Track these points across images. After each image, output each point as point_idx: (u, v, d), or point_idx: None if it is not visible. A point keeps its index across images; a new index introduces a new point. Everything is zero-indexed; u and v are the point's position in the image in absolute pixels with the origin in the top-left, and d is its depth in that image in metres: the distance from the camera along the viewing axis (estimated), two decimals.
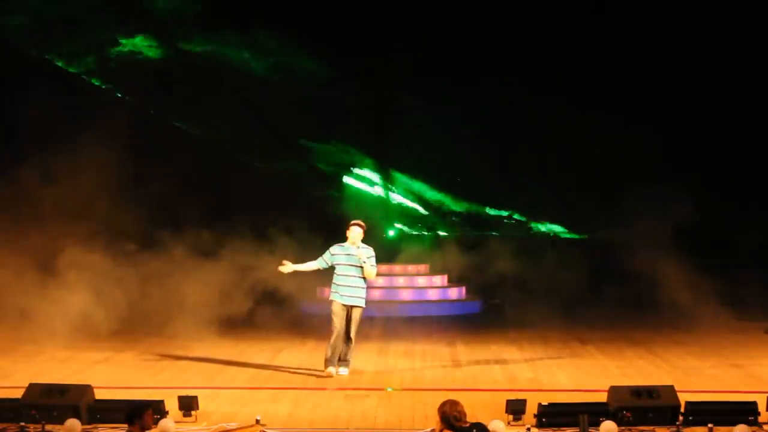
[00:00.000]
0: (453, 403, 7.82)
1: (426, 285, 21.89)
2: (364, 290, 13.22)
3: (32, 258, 16.37)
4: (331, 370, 13.02)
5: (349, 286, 13.10)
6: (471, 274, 21.77)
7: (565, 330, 17.79)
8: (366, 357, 13.87)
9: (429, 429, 9.85)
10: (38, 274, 16.17)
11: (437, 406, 7.99)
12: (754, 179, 21.58)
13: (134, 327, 16.76)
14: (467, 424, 7.81)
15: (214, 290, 16.42)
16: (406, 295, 21.41)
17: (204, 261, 16.68)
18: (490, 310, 21.28)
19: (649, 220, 19.05)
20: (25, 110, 19.57)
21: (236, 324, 17.56)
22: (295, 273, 13.57)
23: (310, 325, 18.09)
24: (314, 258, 13.43)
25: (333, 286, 13.25)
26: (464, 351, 15.72)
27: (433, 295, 21.71)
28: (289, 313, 18.73)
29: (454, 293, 21.96)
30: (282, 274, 13.59)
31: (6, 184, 17.20)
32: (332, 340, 13.05)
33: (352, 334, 13.10)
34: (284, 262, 13.40)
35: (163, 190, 20.76)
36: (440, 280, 22.15)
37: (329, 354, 13.04)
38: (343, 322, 13.07)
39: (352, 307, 13.11)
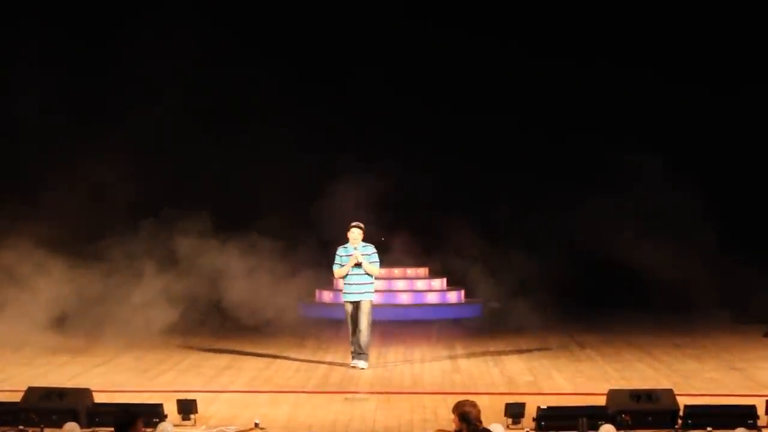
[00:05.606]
0: (473, 404, 7.79)
1: (425, 288, 21.85)
2: (371, 285, 14.01)
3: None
4: (354, 363, 13.98)
5: (355, 283, 13.95)
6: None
7: (563, 333, 17.77)
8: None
9: None
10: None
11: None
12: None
13: (135, 330, 16.76)
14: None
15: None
16: (405, 298, 21.37)
17: None
18: (489, 316, 20.74)
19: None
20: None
21: (235, 328, 17.57)
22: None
23: (309, 328, 18.08)
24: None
25: (344, 287, 14.10)
26: (463, 354, 15.71)
27: (432, 298, 21.67)
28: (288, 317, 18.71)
29: (453, 297, 21.92)
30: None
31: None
32: (350, 337, 14.04)
33: (362, 326, 13.79)
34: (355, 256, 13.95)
35: None
36: (439, 283, 22.11)
37: (352, 348, 14.04)
38: (354, 319, 13.90)
39: (359, 301, 13.89)
